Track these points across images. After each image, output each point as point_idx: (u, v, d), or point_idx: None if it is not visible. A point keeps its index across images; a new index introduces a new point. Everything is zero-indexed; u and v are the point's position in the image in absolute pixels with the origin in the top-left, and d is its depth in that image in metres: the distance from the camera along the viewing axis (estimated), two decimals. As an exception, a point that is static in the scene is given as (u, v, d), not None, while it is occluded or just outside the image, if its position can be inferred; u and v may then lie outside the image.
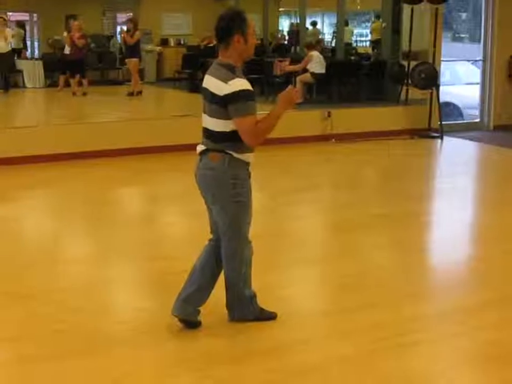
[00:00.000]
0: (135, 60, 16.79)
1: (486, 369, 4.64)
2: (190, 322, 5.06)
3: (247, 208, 4.89)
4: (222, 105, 4.61)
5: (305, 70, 14.86)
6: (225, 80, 4.58)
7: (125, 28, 18.09)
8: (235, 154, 4.71)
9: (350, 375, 4.46)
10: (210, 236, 5.21)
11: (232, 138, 4.67)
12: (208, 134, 4.79)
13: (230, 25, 4.67)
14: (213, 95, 4.66)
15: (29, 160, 10.86)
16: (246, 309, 5.11)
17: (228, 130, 4.67)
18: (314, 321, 5.34)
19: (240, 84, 4.58)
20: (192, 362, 4.62)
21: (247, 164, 4.83)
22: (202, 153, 4.84)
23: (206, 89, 4.79)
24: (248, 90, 4.60)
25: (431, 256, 7.32)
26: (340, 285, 6.07)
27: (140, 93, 16.76)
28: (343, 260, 6.73)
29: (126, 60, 16.98)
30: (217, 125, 4.69)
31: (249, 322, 5.10)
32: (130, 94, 16.67)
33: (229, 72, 4.62)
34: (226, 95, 4.56)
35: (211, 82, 4.71)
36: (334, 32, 25.75)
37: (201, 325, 5.09)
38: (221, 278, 5.11)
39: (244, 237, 4.97)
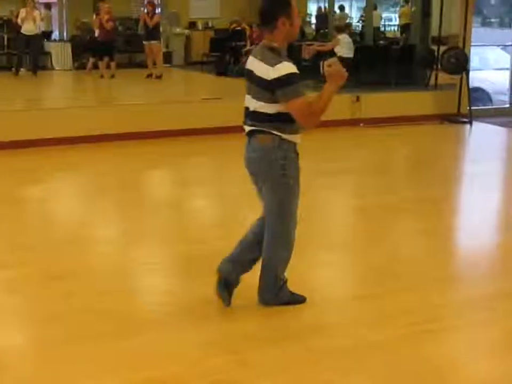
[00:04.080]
0: (156, 42, 16.76)
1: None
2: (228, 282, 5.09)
3: (295, 190, 4.87)
4: (268, 89, 4.60)
5: (333, 54, 14.79)
6: (272, 64, 4.56)
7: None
8: (283, 135, 4.70)
9: (379, 361, 4.44)
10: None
11: (278, 120, 4.67)
12: (253, 116, 4.77)
13: (275, 9, 4.67)
14: (259, 78, 4.65)
15: (57, 142, 10.89)
16: (277, 293, 5.08)
17: (272, 112, 4.66)
18: (343, 306, 5.33)
19: (287, 67, 4.56)
20: (225, 345, 4.62)
21: (295, 144, 4.82)
22: (250, 135, 4.82)
23: (250, 71, 4.77)
24: (295, 73, 4.58)
25: (459, 242, 7.28)
26: (367, 270, 6.05)
27: (159, 77, 16.69)
28: (371, 245, 6.70)
29: (146, 43, 16.88)
30: (262, 107, 4.68)
31: (278, 306, 5.09)
32: (149, 76, 16.73)
33: (275, 55, 4.61)
34: (273, 80, 4.54)
35: (257, 65, 4.70)
36: (361, 16, 25.63)
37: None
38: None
39: (291, 220, 4.93)
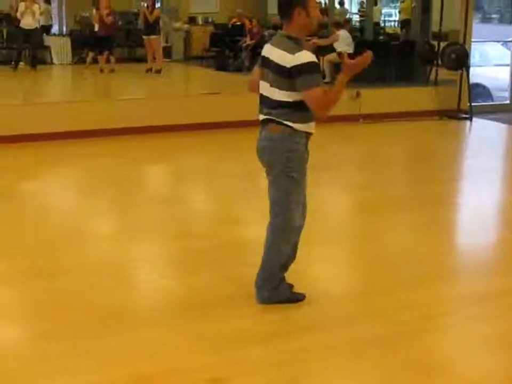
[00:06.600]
0: (155, 37, 16.70)
1: (509, 354, 4.58)
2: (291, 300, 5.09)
3: (300, 183, 4.91)
4: (287, 76, 4.63)
5: (332, 50, 14.76)
6: (293, 52, 4.60)
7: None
8: (296, 126, 4.73)
9: (375, 357, 4.42)
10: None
11: (293, 108, 4.70)
12: (269, 103, 4.79)
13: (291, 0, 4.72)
14: (278, 66, 4.67)
15: (55, 137, 10.85)
16: (276, 291, 5.02)
17: (290, 100, 4.69)
18: (338, 302, 5.29)
19: (307, 56, 4.60)
20: (215, 342, 4.59)
21: (308, 134, 4.86)
22: (264, 123, 4.85)
23: (267, 58, 4.80)
24: (314, 62, 4.64)
25: (456, 238, 7.26)
26: (363, 266, 6.03)
27: (159, 71, 16.61)
28: (367, 241, 6.68)
29: (145, 37, 16.80)
30: (280, 95, 4.71)
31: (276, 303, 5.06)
32: (149, 71, 16.68)
33: (295, 44, 4.66)
34: (293, 67, 4.58)
35: (275, 53, 4.72)
36: (359, 11, 25.56)
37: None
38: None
39: (293, 216, 4.92)
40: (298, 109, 4.70)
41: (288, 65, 4.59)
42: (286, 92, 4.66)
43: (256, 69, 5.05)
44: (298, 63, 4.57)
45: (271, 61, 4.73)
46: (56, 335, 4.67)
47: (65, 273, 5.78)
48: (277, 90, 4.71)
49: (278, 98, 4.71)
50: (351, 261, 6.33)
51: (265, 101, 4.83)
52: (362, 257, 6.25)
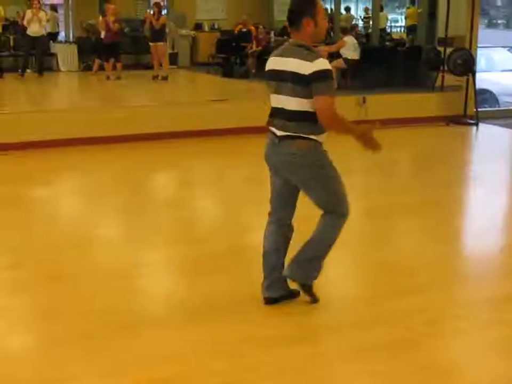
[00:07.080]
0: (162, 43, 16.72)
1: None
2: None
3: (337, 179, 5.02)
4: (305, 84, 4.63)
5: (338, 56, 14.78)
6: (311, 60, 4.61)
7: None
8: (319, 138, 4.78)
9: (383, 363, 4.42)
10: (268, 218, 5.19)
11: (312, 119, 4.70)
12: (285, 115, 4.79)
13: (299, 9, 4.75)
14: (295, 74, 4.67)
15: (62, 144, 10.88)
16: (309, 275, 5.12)
17: (308, 109, 4.69)
18: (347, 307, 5.30)
19: (325, 63, 4.65)
20: (227, 346, 4.61)
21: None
22: (285, 138, 4.81)
23: (278, 70, 4.80)
24: (330, 70, 4.69)
25: (465, 243, 7.25)
26: (372, 270, 6.03)
27: (165, 78, 16.62)
28: (376, 246, 6.68)
29: (152, 44, 16.82)
30: (297, 104, 4.71)
31: (287, 305, 5.09)
32: (155, 78, 16.70)
33: (310, 52, 4.68)
34: (311, 74, 4.59)
35: (290, 63, 4.72)
36: (364, 17, 25.60)
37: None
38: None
39: (347, 205, 5.13)
40: (316, 119, 4.71)
41: (307, 72, 4.60)
42: (304, 99, 4.66)
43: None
44: (317, 69, 4.59)
45: (286, 71, 4.74)
46: (66, 340, 4.68)
47: (75, 279, 5.79)
48: (294, 99, 4.71)
49: (295, 108, 4.72)
50: (360, 266, 6.33)
51: (280, 113, 4.83)
52: (371, 262, 6.25)
